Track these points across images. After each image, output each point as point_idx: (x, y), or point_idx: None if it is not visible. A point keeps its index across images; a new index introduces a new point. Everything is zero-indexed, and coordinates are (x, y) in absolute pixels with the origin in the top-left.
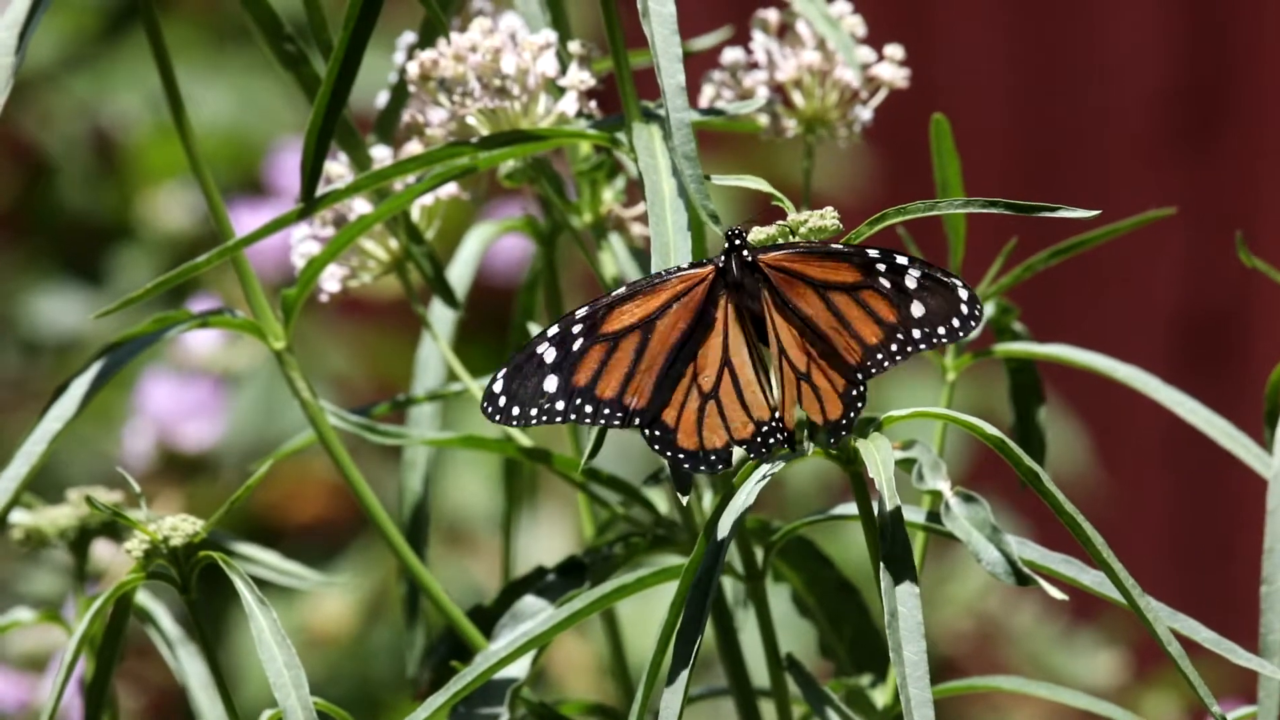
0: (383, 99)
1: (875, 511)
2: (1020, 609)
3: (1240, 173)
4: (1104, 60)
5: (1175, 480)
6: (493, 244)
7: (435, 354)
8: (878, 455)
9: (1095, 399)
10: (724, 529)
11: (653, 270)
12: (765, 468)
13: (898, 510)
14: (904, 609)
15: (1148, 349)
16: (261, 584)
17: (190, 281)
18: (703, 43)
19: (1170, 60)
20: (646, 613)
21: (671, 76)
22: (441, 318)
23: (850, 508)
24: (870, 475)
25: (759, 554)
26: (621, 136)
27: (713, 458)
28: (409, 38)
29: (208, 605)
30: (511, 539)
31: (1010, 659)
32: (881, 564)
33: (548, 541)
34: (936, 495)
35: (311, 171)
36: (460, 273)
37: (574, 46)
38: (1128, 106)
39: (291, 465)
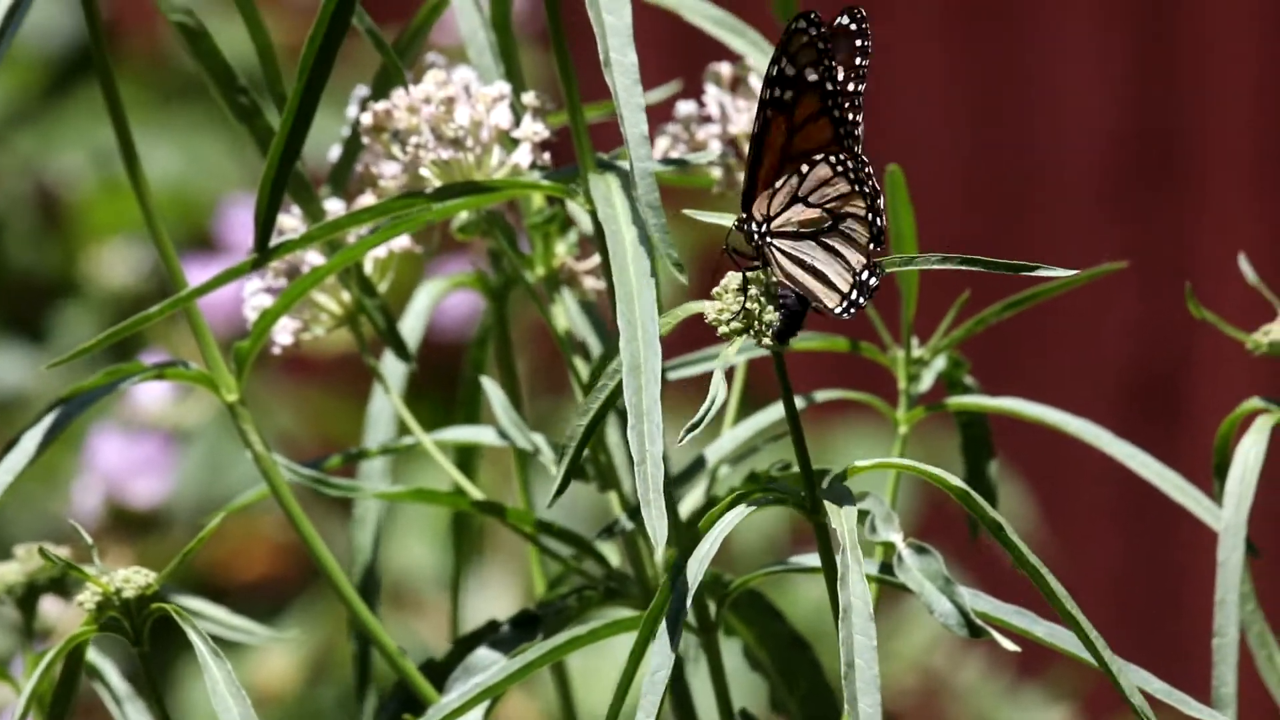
0: (335, 153)
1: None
2: (966, 664)
3: (1184, 228)
4: (1052, 113)
5: (1123, 536)
6: (443, 299)
7: (387, 408)
8: (841, 506)
9: (1043, 456)
10: (692, 571)
11: (618, 320)
12: (731, 514)
13: (859, 562)
14: (861, 661)
15: (1097, 403)
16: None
17: (134, 339)
18: (654, 96)
19: (1117, 116)
20: (596, 668)
21: (634, 125)
22: (393, 372)
23: (806, 559)
24: (833, 525)
25: (711, 607)
26: (576, 187)
27: None
28: (362, 91)
29: (155, 661)
30: (461, 593)
31: (957, 716)
32: (840, 615)
33: (495, 602)
34: (889, 547)
35: (265, 222)
36: (412, 326)
37: (528, 98)
38: (1076, 161)
39: (236, 524)
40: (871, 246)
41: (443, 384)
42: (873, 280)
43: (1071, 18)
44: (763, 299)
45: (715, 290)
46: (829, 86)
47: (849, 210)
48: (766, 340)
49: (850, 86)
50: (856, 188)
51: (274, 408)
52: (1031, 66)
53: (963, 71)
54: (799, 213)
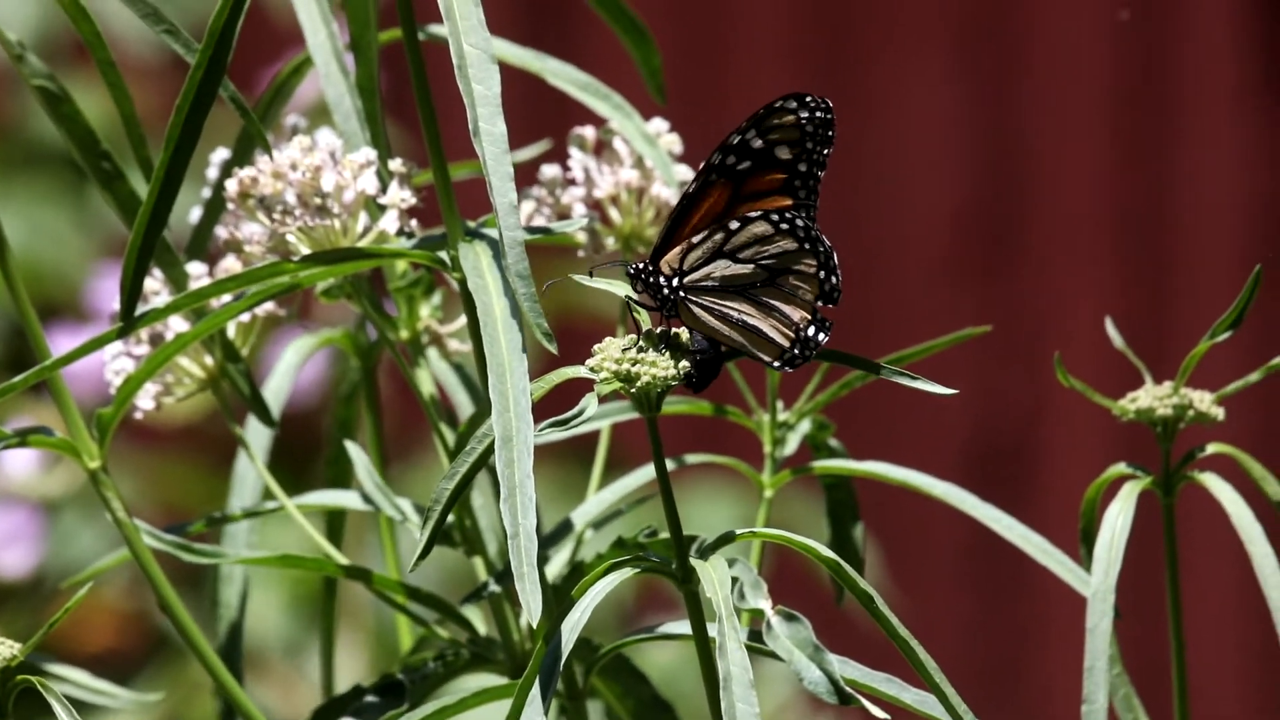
0: (195, 215)
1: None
2: None
3: (1025, 300)
4: (898, 186)
5: (969, 600)
6: (310, 357)
7: (251, 471)
8: (714, 574)
9: (890, 517)
10: (565, 637)
11: (490, 392)
12: (603, 583)
13: (736, 630)
14: None
15: (941, 472)
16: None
17: None
18: (521, 156)
19: (959, 190)
20: None
21: (503, 195)
22: (256, 435)
23: (675, 626)
24: (707, 594)
25: (578, 674)
26: (445, 256)
27: None
28: (222, 154)
29: None
30: (332, 658)
31: None
32: (721, 684)
33: (342, 669)
34: (757, 613)
35: (131, 289)
36: (278, 385)
37: (395, 164)
38: (919, 234)
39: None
40: (820, 304)
41: (292, 446)
42: (821, 335)
43: (917, 93)
44: (666, 350)
45: (595, 348)
46: (802, 168)
47: (794, 268)
48: (672, 377)
49: (802, 168)
50: (808, 246)
51: (118, 476)
52: (878, 140)
53: None
54: (723, 268)
